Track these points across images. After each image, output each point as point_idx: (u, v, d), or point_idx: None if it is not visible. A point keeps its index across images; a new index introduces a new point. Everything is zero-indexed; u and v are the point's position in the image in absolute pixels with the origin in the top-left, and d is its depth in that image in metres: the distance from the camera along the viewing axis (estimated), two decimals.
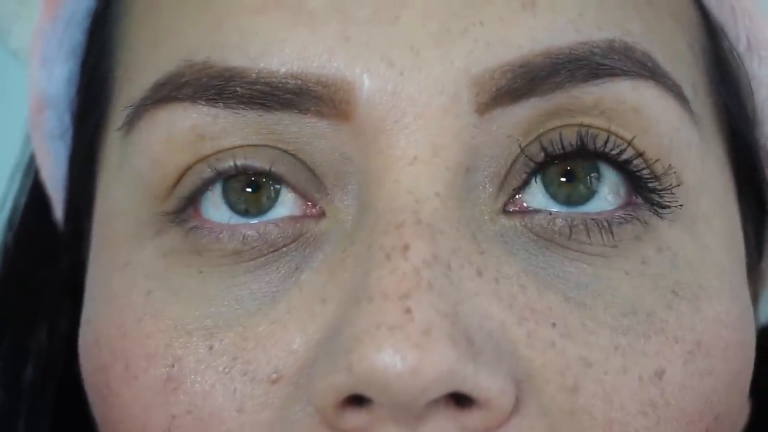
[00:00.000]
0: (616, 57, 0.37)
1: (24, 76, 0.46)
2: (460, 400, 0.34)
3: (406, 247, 0.34)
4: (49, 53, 0.44)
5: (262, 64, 0.36)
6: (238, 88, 0.36)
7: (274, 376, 0.35)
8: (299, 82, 0.36)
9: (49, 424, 0.47)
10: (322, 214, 0.37)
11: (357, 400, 0.34)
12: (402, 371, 0.32)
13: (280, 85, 0.36)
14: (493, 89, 0.36)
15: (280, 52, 0.36)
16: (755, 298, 0.45)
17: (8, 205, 0.50)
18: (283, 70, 0.36)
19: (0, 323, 0.49)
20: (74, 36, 0.44)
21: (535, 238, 0.37)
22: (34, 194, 0.49)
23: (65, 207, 0.46)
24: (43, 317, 0.48)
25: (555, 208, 0.37)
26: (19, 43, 0.46)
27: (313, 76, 0.36)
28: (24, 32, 0.46)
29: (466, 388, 0.33)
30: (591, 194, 0.38)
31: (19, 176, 0.50)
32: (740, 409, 0.39)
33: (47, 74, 0.45)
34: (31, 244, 0.49)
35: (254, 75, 0.36)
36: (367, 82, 0.36)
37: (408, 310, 0.33)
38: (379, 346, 0.33)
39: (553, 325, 0.35)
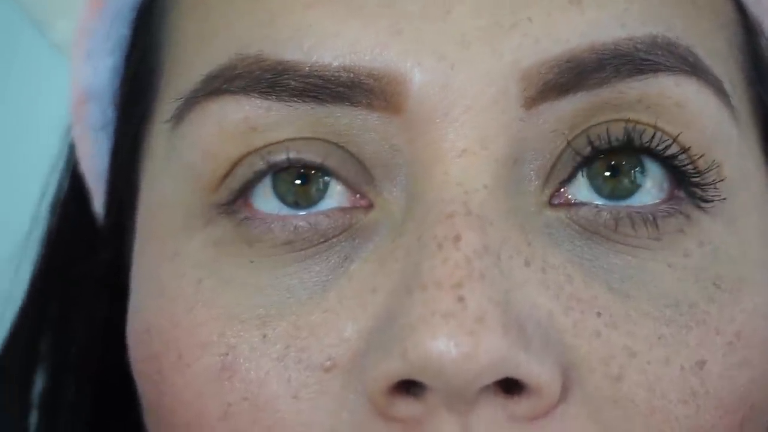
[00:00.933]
0: (659, 52, 0.38)
1: (62, 70, 0.47)
2: (508, 388, 0.35)
3: (457, 238, 0.35)
4: (95, 46, 0.45)
5: (315, 58, 0.37)
6: (291, 81, 0.37)
7: (328, 363, 0.36)
8: (351, 75, 0.36)
9: (89, 414, 0.48)
10: (370, 206, 0.38)
11: (408, 390, 0.35)
12: (456, 357, 0.33)
13: (332, 78, 0.37)
14: (541, 83, 0.36)
15: (332, 45, 0.37)
16: None
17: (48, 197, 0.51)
18: (335, 63, 0.37)
19: (41, 313, 0.49)
20: (120, 29, 0.45)
21: (581, 230, 0.37)
22: (74, 186, 0.50)
23: (106, 199, 0.47)
24: (82, 308, 0.49)
25: (599, 201, 0.38)
26: (62, 37, 0.47)
27: (365, 69, 0.36)
28: (67, 26, 0.46)
29: (517, 374, 0.34)
30: (635, 188, 0.38)
31: (59, 168, 0.51)
32: None
33: (92, 67, 0.45)
34: (71, 235, 0.50)
35: (307, 68, 0.37)
36: (418, 75, 0.36)
37: (461, 299, 0.34)
38: (434, 333, 0.33)
39: (599, 314, 0.36)
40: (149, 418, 0.41)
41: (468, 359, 0.33)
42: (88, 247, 0.49)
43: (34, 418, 0.50)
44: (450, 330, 0.33)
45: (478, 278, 0.34)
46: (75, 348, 0.49)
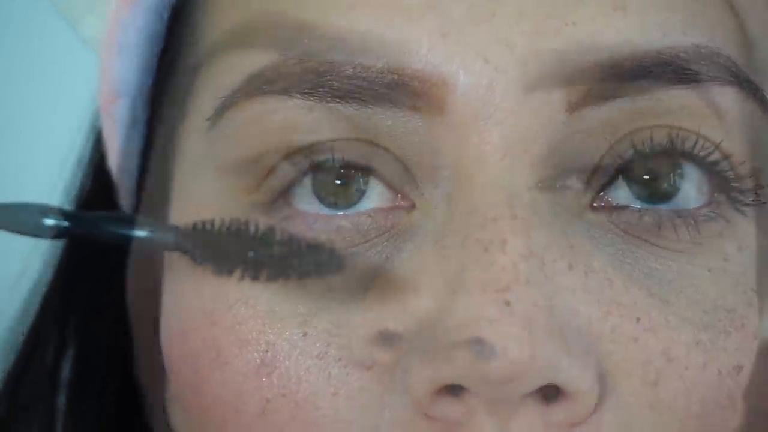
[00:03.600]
0: (702, 62, 0.38)
1: (87, 66, 0.47)
2: (548, 392, 0.35)
3: (503, 242, 0.35)
4: (126, 41, 0.44)
5: (360, 59, 0.37)
6: (334, 82, 0.37)
7: (369, 362, 0.36)
8: (396, 76, 0.36)
9: (117, 389, 0.48)
10: (412, 207, 0.38)
11: (452, 390, 0.35)
12: (502, 363, 0.33)
13: (376, 79, 0.36)
14: (584, 89, 0.36)
15: (377, 46, 0.36)
16: None
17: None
18: (380, 65, 0.36)
19: (67, 310, 0.49)
20: (153, 25, 0.44)
21: (622, 234, 0.38)
22: (100, 180, 0.49)
23: (136, 196, 0.47)
24: (108, 305, 0.49)
25: (638, 205, 0.38)
26: (92, 32, 0.46)
27: (410, 71, 0.36)
28: (97, 22, 0.46)
29: (559, 380, 0.34)
30: (674, 192, 0.38)
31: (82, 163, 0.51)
32: None
33: (123, 63, 0.45)
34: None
35: (351, 70, 0.37)
36: (462, 77, 0.36)
37: (507, 303, 0.34)
38: (479, 339, 0.33)
39: (638, 320, 0.36)
40: (180, 419, 0.41)
41: (513, 365, 0.33)
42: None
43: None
44: (496, 335, 0.33)
45: (524, 283, 0.34)
46: (102, 329, 0.49)
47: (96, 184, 0.50)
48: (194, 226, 0.38)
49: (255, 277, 0.37)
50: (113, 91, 0.45)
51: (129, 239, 0.39)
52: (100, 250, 0.48)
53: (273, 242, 0.37)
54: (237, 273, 0.37)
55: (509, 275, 0.34)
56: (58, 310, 0.50)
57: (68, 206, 0.52)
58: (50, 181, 0.52)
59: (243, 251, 0.37)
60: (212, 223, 0.38)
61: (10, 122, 0.74)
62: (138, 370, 0.43)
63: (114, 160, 0.47)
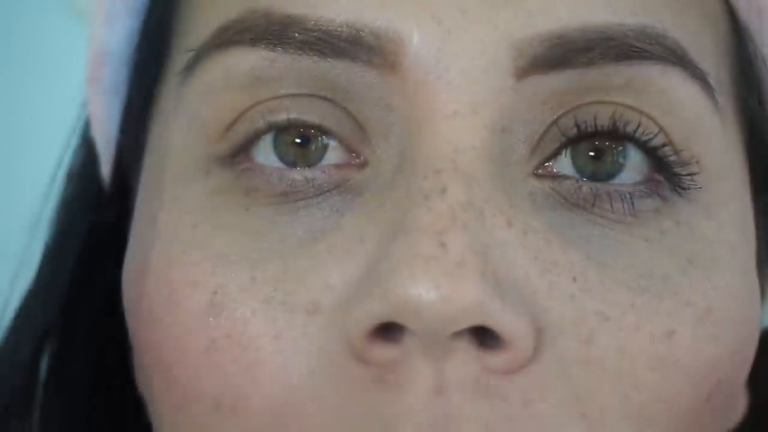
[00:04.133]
0: (647, 41, 0.39)
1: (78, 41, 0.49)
2: (484, 341, 0.36)
3: (443, 190, 0.36)
4: (113, 9, 0.47)
5: (320, 13, 0.39)
6: (296, 34, 0.39)
7: (311, 308, 0.37)
8: (353, 31, 0.38)
9: (95, 367, 0.49)
10: (365, 164, 0.39)
11: (387, 335, 0.36)
12: (435, 299, 0.34)
13: (335, 33, 0.38)
14: (531, 56, 0.38)
15: (337, 2, 0.39)
16: (762, 294, 0.47)
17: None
18: (339, 19, 0.38)
19: (56, 278, 0.51)
20: None
21: (562, 201, 0.39)
22: (88, 153, 0.51)
23: (114, 159, 0.49)
24: (90, 277, 0.50)
25: (580, 178, 0.40)
26: (86, 4, 0.48)
27: (367, 26, 0.38)
28: None
29: (492, 322, 0.35)
30: (617, 169, 0.40)
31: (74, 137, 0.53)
32: (739, 383, 0.41)
33: (110, 30, 0.47)
34: (84, 204, 0.51)
35: (312, 22, 0.39)
36: (416, 36, 0.38)
37: (443, 244, 0.35)
38: (414, 275, 0.35)
39: (574, 279, 0.37)
40: (137, 361, 0.42)
41: (445, 301, 0.34)
42: (96, 207, 0.50)
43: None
44: (430, 273, 0.35)
45: (460, 227, 0.36)
46: (83, 318, 0.51)
47: (86, 155, 0.52)
48: None
49: None
50: (100, 58, 0.48)
51: None
52: (82, 245, 0.50)
53: None
54: None
55: (446, 220, 0.36)
56: (38, 306, 0.51)
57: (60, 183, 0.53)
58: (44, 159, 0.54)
59: None
60: None
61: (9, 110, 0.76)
62: (137, 372, 0.44)
63: (97, 127, 0.49)
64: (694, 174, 0.40)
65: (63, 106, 0.53)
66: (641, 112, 0.39)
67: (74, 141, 0.53)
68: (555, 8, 0.38)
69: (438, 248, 0.35)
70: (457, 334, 0.35)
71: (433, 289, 0.34)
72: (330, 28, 0.38)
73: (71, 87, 0.52)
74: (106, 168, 0.50)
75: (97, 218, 0.50)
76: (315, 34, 0.38)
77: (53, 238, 0.52)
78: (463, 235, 0.35)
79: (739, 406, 0.45)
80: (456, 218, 0.36)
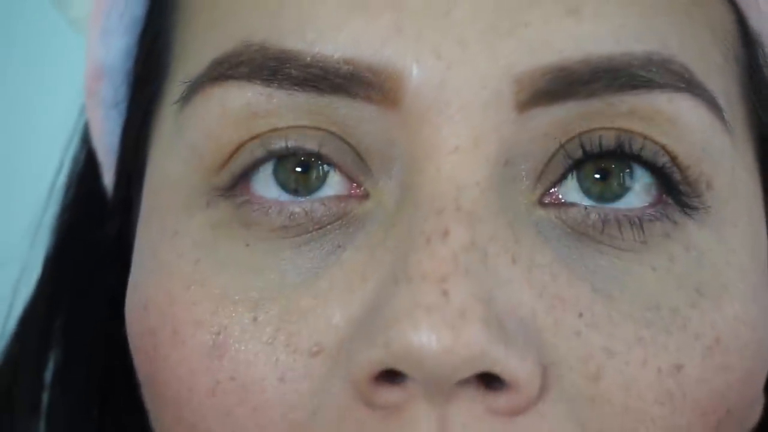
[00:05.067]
0: (653, 69, 0.38)
1: (76, 49, 0.49)
2: (489, 382, 0.36)
3: (445, 233, 0.36)
4: (109, 25, 0.46)
5: (317, 49, 0.38)
6: (292, 70, 0.38)
7: (315, 349, 0.37)
8: (351, 67, 0.37)
9: (99, 381, 0.50)
10: (366, 196, 0.39)
11: (391, 378, 0.36)
12: (437, 350, 0.34)
13: (333, 69, 0.38)
14: (533, 89, 0.37)
15: (335, 38, 0.38)
16: None
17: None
18: (336, 55, 0.38)
19: (56, 291, 0.51)
20: (134, 10, 0.46)
21: (569, 230, 0.38)
22: (88, 161, 0.51)
23: (116, 173, 0.48)
24: (95, 285, 0.50)
25: (588, 203, 0.39)
26: (79, 13, 0.48)
27: (365, 63, 0.37)
28: (85, 4, 0.47)
29: (496, 369, 0.35)
30: (623, 192, 0.39)
31: (75, 143, 0.53)
32: (752, 403, 0.41)
33: (106, 45, 0.46)
34: (85, 211, 0.51)
35: (309, 58, 0.38)
36: (415, 72, 0.37)
37: (445, 293, 0.35)
38: (416, 325, 0.34)
39: (580, 315, 0.37)
40: (144, 392, 0.42)
41: (447, 352, 0.34)
42: (99, 219, 0.50)
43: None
44: (432, 323, 0.34)
45: (463, 273, 0.35)
46: (86, 326, 0.51)
47: (86, 164, 0.52)
48: None
49: None
50: (97, 72, 0.47)
51: None
52: (86, 252, 0.50)
53: None
54: None
55: (449, 266, 0.35)
56: (44, 312, 0.52)
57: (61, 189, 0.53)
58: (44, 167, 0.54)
59: None
60: None
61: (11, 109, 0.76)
62: (144, 395, 0.43)
63: (98, 139, 0.49)
64: (704, 192, 0.39)
65: (64, 111, 0.53)
66: (647, 137, 0.39)
67: (74, 147, 0.53)
68: (556, 40, 0.37)
69: (440, 297, 0.35)
70: (463, 380, 0.35)
71: (435, 340, 0.34)
72: (327, 64, 0.38)
73: (72, 92, 0.51)
74: (108, 177, 0.50)
75: (99, 225, 0.50)
76: (312, 70, 0.38)
77: (54, 245, 0.52)
78: (465, 281, 0.35)
79: (754, 415, 0.44)
80: (458, 263, 0.35)
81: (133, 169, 0.46)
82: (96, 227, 0.50)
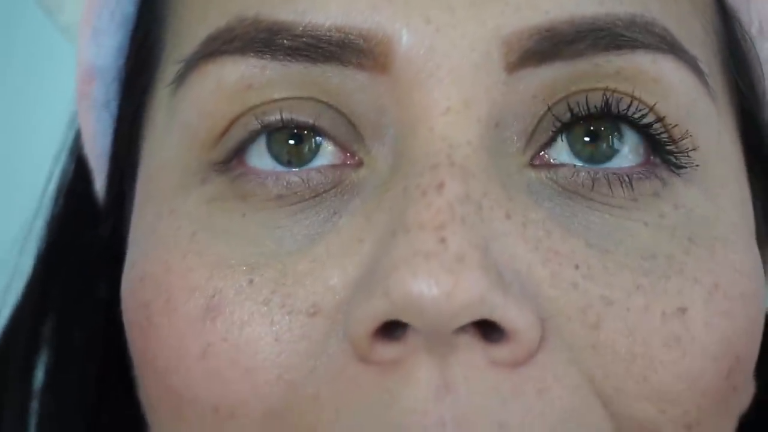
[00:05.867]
0: (637, 30, 0.39)
1: (67, 55, 0.49)
2: (489, 334, 0.36)
3: (441, 185, 0.36)
4: (100, 25, 0.47)
5: (309, 18, 0.39)
6: (285, 41, 0.39)
7: (312, 310, 0.37)
8: (342, 35, 0.38)
9: (95, 383, 0.49)
10: (360, 164, 0.39)
11: (390, 333, 0.36)
12: (437, 295, 0.34)
13: (324, 37, 0.38)
14: (521, 50, 0.38)
15: (325, 7, 0.39)
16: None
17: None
18: (327, 23, 0.38)
19: (44, 295, 0.51)
20: (125, 7, 0.47)
21: (560, 189, 0.39)
22: (79, 169, 0.51)
23: (108, 174, 0.49)
24: (85, 290, 0.50)
25: (579, 164, 0.40)
26: (70, 19, 0.48)
27: (356, 29, 0.38)
28: (75, 8, 0.48)
29: (495, 316, 0.35)
30: (613, 153, 0.40)
31: (64, 152, 0.53)
32: (753, 357, 0.41)
33: (98, 45, 0.47)
34: (75, 218, 0.52)
35: (300, 28, 0.39)
36: (405, 37, 0.38)
37: (443, 240, 0.35)
38: (415, 272, 0.35)
39: (576, 267, 0.37)
40: (136, 371, 0.42)
41: (447, 297, 0.34)
42: (92, 229, 0.50)
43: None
44: (431, 269, 0.34)
45: (459, 222, 0.35)
46: (78, 330, 0.51)
47: (76, 171, 0.52)
48: None
49: None
50: (89, 74, 0.48)
51: None
52: (78, 250, 0.50)
53: None
54: None
55: (445, 215, 0.36)
56: (33, 311, 0.52)
57: (51, 196, 0.53)
58: (34, 174, 0.54)
59: None
60: None
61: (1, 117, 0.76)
62: (137, 381, 0.43)
63: (89, 143, 0.49)
64: (690, 150, 0.40)
65: (56, 118, 0.53)
66: (634, 97, 0.39)
67: (64, 155, 0.53)
68: (542, 1, 0.38)
69: (438, 244, 0.35)
70: (461, 329, 0.35)
71: (435, 285, 0.34)
72: (319, 33, 0.38)
73: (64, 99, 0.52)
74: (100, 182, 0.50)
75: (90, 228, 0.50)
76: (304, 39, 0.39)
77: (44, 247, 0.52)
78: (462, 229, 0.35)
79: (750, 388, 0.44)
80: (454, 213, 0.36)
81: (126, 163, 0.46)
82: (86, 230, 0.50)
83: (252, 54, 0.39)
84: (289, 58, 0.39)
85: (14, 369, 0.51)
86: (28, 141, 0.63)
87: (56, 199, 0.53)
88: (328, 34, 0.38)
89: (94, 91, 0.48)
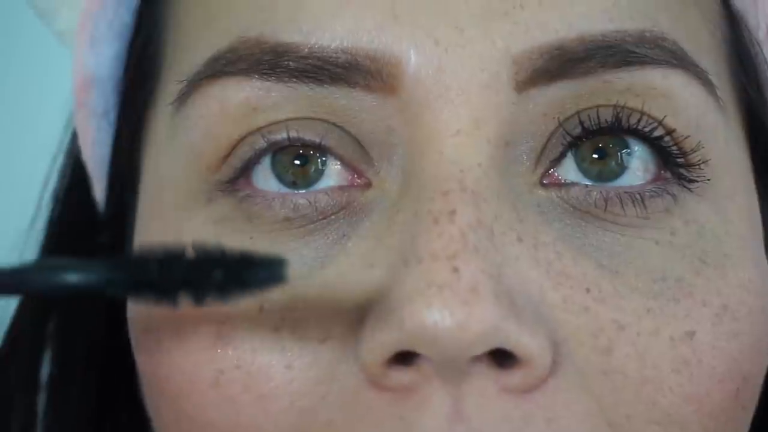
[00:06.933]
0: (647, 46, 0.39)
1: (63, 60, 0.48)
2: (501, 360, 0.36)
3: (452, 212, 0.36)
4: (98, 33, 0.46)
5: (314, 40, 0.38)
6: (290, 63, 0.38)
7: (322, 336, 0.37)
8: (349, 56, 0.38)
9: (97, 389, 0.49)
10: (368, 185, 0.39)
11: (403, 360, 0.36)
12: (451, 326, 0.34)
13: (330, 59, 0.38)
14: (531, 69, 0.38)
15: (331, 28, 0.38)
16: None
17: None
18: (334, 45, 0.38)
19: (46, 309, 0.50)
20: (123, 16, 0.46)
21: (571, 209, 0.39)
22: (76, 174, 0.51)
23: (108, 184, 0.48)
24: (89, 305, 0.50)
25: (588, 182, 0.39)
26: (66, 25, 0.48)
27: (363, 51, 0.38)
28: (71, 15, 0.47)
29: (509, 344, 0.35)
30: (621, 171, 0.40)
31: (61, 157, 0.52)
32: (762, 374, 0.41)
33: (95, 54, 0.46)
34: (74, 223, 0.51)
35: (306, 50, 0.38)
36: (413, 57, 0.37)
37: (456, 270, 0.35)
38: (429, 303, 0.34)
39: (587, 290, 0.37)
40: (146, 393, 0.42)
41: (461, 328, 0.34)
42: (91, 234, 0.50)
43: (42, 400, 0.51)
44: (444, 300, 0.34)
45: (472, 250, 0.35)
46: (81, 332, 0.50)
47: (73, 177, 0.52)
48: (125, 258, 0.38)
49: (199, 303, 0.35)
50: (87, 83, 0.47)
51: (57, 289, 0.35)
52: (83, 248, 0.50)
53: (211, 266, 0.35)
54: (180, 300, 0.35)
55: (457, 244, 0.35)
56: (37, 309, 0.51)
57: (49, 201, 0.53)
58: (32, 178, 0.53)
59: (181, 277, 0.35)
60: (145, 253, 0.35)
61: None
62: (146, 400, 0.43)
63: (87, 151, 0.49)
64: (701, 163, 0.40)
65: (54, 121, 0.53)
66: (643, 112, 0.39)
67: (61, 160, 0.53)
68: (551, 20, 0.38)
69: (451, 274, 0.35)
70: (475, 358, 0.35)
71: (449, 316, 0.34)
72: (325, 54, 0.38)
73: (64, 100, 0.51)
74: (99, 189, 0.49)
75: (88, 235, 0.50)
76: (310, 61, 0.38)
77: (43, 248, 0.52)
78: (474, 258, 0.35)
79: (757, 394, 0.44)
80: (467, 241, 0.35)
81: (126, 176, 0.46)
82: (87, 235, 0.50)
83: (257, 76, 0.38)
84: (294, 80, 0.38)
85: (18, 372, 0.51)
86: (28, 141, 0.62)
87: (55, 201, 0.53)
88: (334, 55, 0.38)
89: (93, 100, 0.47)
